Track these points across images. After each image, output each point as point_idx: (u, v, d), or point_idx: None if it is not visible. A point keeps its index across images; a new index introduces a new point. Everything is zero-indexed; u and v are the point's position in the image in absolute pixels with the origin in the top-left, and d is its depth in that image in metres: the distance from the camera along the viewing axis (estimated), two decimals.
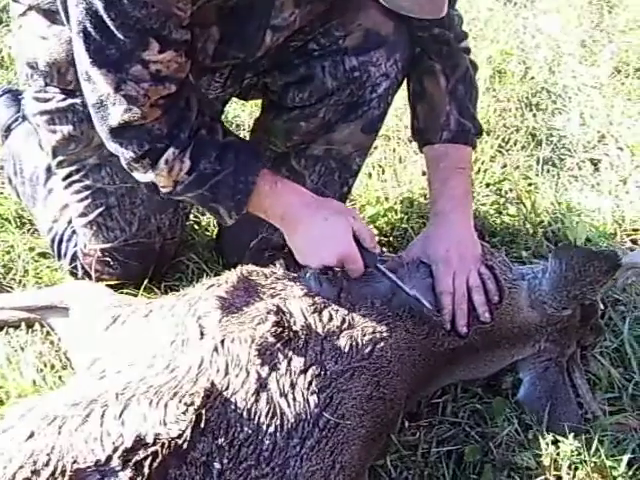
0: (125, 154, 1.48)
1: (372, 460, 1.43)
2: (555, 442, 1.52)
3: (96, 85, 1.41)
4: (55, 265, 1.97)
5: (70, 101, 1.72)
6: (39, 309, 1.77)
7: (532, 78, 3.00)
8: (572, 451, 1.48)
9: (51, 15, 1.63)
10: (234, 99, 2.44)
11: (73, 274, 1.92)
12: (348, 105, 1.78)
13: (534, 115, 2.76)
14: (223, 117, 2.31)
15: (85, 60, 1.39)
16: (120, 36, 1.33)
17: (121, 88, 1.39)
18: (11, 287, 1.91)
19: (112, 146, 1.50)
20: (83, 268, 1.90)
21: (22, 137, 2.14)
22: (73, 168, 1.80)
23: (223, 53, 1.61)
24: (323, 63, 1.74)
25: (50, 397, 1.32)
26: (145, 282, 1.86)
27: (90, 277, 1.88)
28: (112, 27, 1.32)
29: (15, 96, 2.30)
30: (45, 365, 1.67)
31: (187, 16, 1.37)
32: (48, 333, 1.77)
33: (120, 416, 1.12)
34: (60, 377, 1.64)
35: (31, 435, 1.12)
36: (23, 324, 1.79)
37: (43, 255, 2.01)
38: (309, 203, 1.56)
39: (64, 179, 1.83)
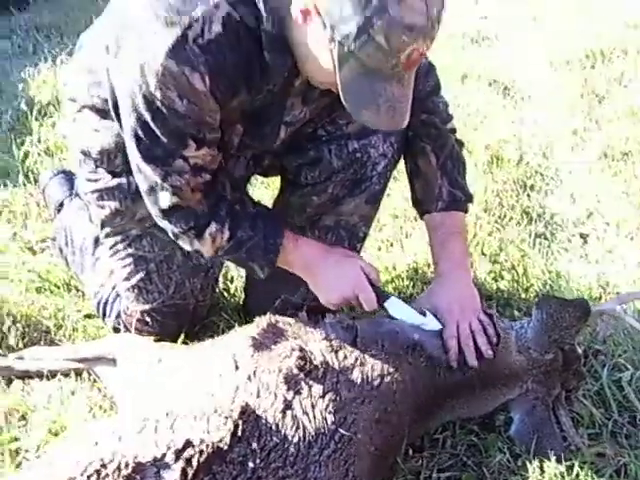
0: (174, 230, 1.77)
1: (380, 478, 1.63)
2: (541, 468, 1.69)
3: (147, 176, 1.69)
4: (100, 324, 2.19)
5: (117, 181, 1.94)
6: (87, 359, 1.98)
7: (527, 163, 3.23)
8: (556, 475, 1.65)
9: (102, 112, 1.87)
10: (258, 184, 2.75)
11: (117, 331, 2.13)
12: (353, 181, 2.02)
13: (528, 195, 2.97)
14: None
15: (137, 157, 1.67)
16: (164, 139, 1.61)
17: (167, 179, 1.67)
18: (62, 341, 2.13)
19: (162, 223, 1.78)
20: (125, 327, 2.11)
21: (73, 212, 2.41)
22: (118, 238, 2.02)
23: (246, 144, 1.84)
24: (330, 146, 1.99)
25: (105, 421, 1.56)
26: (180, 339, 2.03)
27: None
28: (158, 132, 1.60)
29: (67, 176, 2.59)
30: (95, 405, 1.88)
31: (217, 120, 1.64)
32: (95, 381, 1.97)
33: (170, 427, 1.35)
34: (109, 416, 1.85)
35: (95, 444, 1.35)
36: (72, 373, 1.99)
37: (89, 316, 2.23)
38: (323, 253, 1.87)
39: (110, 248, 2.05)
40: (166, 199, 1.71)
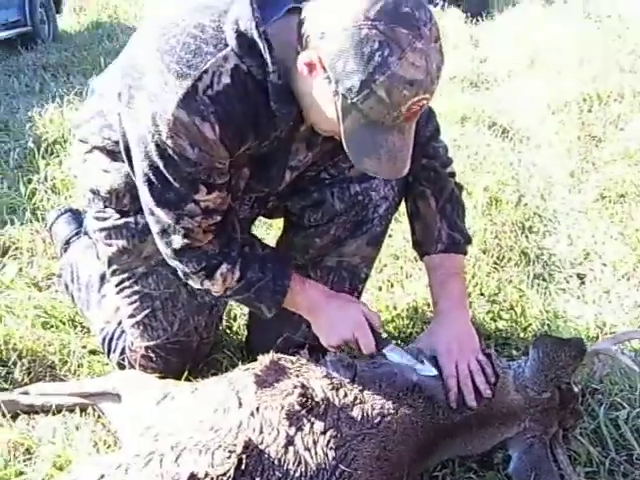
0: (185, 269, 1.82)
1: None
2: None
3: (160, 219, 1.74)
4: (105, 360, 2.23)
5: (124, 220, 1.99)
6: (92, 395, 2.01)
7: (525, 205, 3.29)
8: None
9: (112, 154, 1.93)
10: (261, 223, 2.80)
11: (121, 367, 2.16)
12: (354, 223, 2.07)
13: (526, 237, 3.02)
14: None
15: (150, 201, 1.72)
16: (176, 185, 1.66)
17: (179, 222, 1.72)
18: (67, 377, 2.17)
19: (173, 263, 1.83)
20: (130, 363, 2.14)
21: (80, 250, 2.46)
22: (125, 276, 2.06)
23: (251, 188, 1.88)
24: (332, 189, 2.04)
25: (111, 455, 1.59)
26: (183, 376, 2.06)
27: None
28: (170, 178, 1.65)
29: (74, 215, 2.64)
30: (99, 440, 1.90)
31: (226, 167, 1.70)
32: (99, 416, 1.99)
33: (176, 461, 1.39)
34: (112, 451, 1.88)
35: (102, 477, 1.38)
36: (77, 408, 2.02)
37: (94, 352, 2.27)
38: (327, 297, 1.92)
39: (117, 285, 2.09)
40: (178, 241, 1.76)
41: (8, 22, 7.10)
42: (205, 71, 1.55)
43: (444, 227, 2.03)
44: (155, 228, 1.78)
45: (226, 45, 1.56)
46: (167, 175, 1.65)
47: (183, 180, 1.66)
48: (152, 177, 1.67)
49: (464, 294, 2.06)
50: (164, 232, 1.76)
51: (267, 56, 1.55)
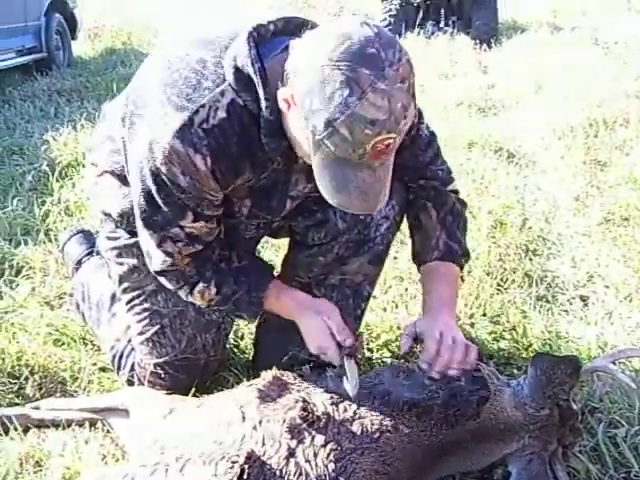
0: (168, 285, 1.93)
1: None
2: None
3: (146, 240, 1.85)
4: (114, 377, 2.28)
5: (135, 239, 2.03)
6: (101, 410, 2.06)
7: (530, 228, 3.32)
8: None
9: (121, 178, 2.01)
10: (268, 245, 2.85)
11: (130, 384, 2.21)
12: (357, 242, 2.12)
13: (530, 259, 3.06)
14: None
15: (139, 222, 1.83)
16: (165, 209, 1.76)
17: (162, 245, 1.82)
18: (77, 392, 2.22)
19: (159, 278, 1.94)
20: (139, 380, 2.19)
21: (91, 270, 2.52)
22: (135, 294, 2.13)
23: (255, 215, 1.96)
24: (335, 209, 2.03)
25: (118, 466, 1.63)
26: (191, 393, 2.09)
27: None
28: (160, 202, 1.75)
29: (86, 236, 2.71)
30: (108, 453, 1.95)
31: (218, 199, 1.79)
32: (108, 431, 2.04)
33: (180, 471, 1.44)
34: (120, 464, 1.92)
35: None
36: (87, 423, 2.07)
37: (104, 369, 2.33)
38: (300, 306, 1.95)
39: (127, 303, 2.16)
40: (158, 263, 1.86)
41: (24, 48, 7.21)
42: (202, 105, 1.64)
43: (442, 236, 2.06)
44: (143, 247, 1.89)
45: (224, 80, 1.65)
46: (158, 199, 1.74)
47: (172, 205, 1.75)
48: (143, 200, 1.77)
49: (454, 299, 2.06)
50: (147, 253, 1.88)
51: (261, 92, 1.63)
